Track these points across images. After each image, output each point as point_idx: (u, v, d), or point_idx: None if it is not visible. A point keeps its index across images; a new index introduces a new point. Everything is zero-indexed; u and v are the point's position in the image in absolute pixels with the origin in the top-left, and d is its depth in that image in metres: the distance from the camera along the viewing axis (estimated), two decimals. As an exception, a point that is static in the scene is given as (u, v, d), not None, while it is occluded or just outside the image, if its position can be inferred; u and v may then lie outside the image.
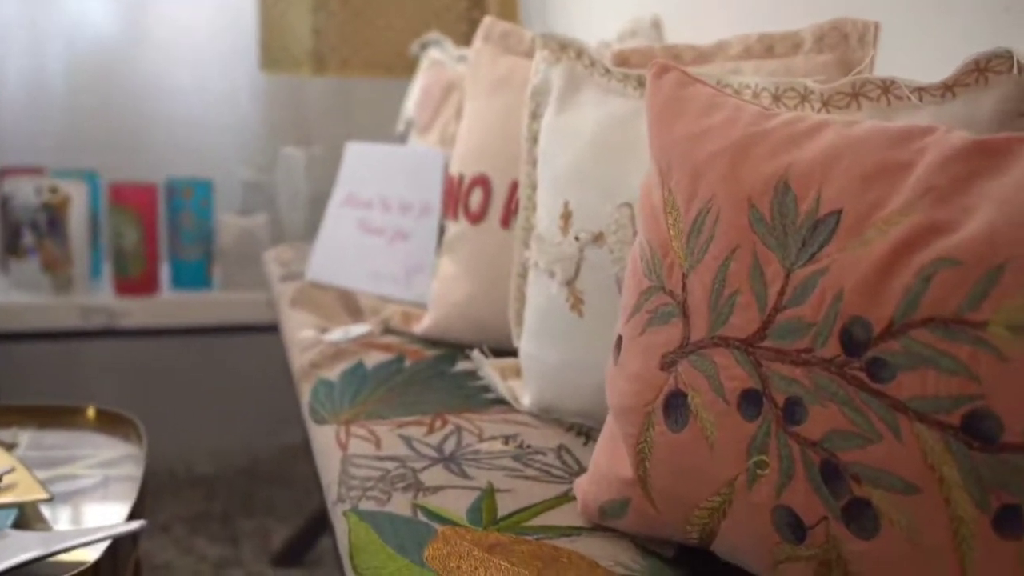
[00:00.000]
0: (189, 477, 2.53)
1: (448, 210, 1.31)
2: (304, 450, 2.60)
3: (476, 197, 1.25)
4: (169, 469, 2.56)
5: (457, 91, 1.59)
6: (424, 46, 2.05)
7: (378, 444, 0.98)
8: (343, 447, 0.98)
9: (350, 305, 1.51)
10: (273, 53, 2.37)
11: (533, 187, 1.09)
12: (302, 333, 1.41)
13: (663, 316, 0.72)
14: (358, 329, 1.36)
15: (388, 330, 1.37)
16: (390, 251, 1.55)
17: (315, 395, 1.16)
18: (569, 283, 0.97)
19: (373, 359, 1.24)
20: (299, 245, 2.06)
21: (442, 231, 1.47)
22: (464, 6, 2.53)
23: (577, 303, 0.97)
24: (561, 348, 0.99)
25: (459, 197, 1.28)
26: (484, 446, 0.96)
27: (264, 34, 2.39)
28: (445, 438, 0.98)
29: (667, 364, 0.71)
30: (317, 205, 2.34)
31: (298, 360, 1.32)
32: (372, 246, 1.58)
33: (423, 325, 1.32)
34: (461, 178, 1.28)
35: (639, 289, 0.75)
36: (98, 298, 2.18)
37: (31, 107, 2.34)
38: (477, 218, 1.24)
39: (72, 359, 2.48)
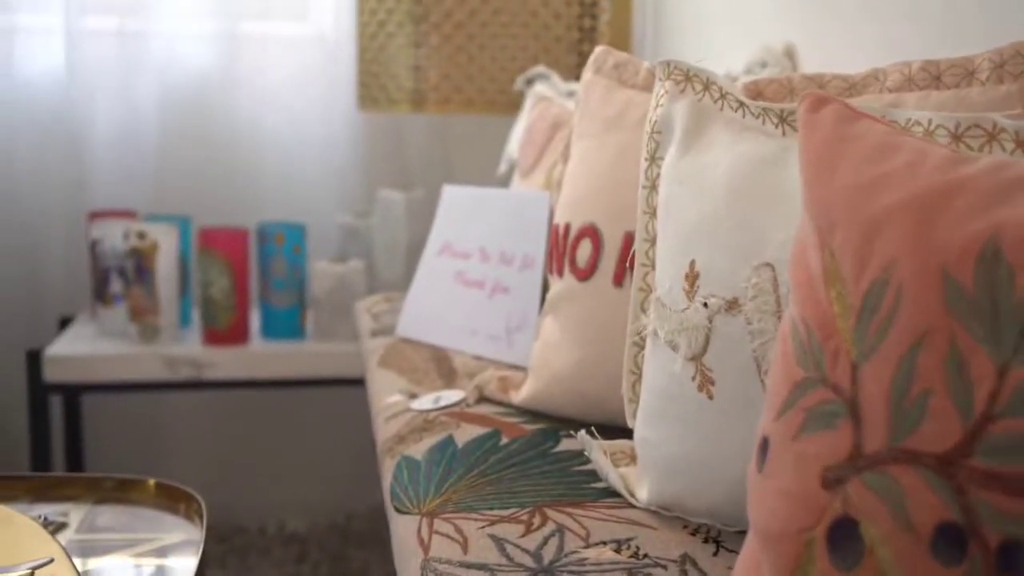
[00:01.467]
0: (280, 535, 2.44)
1: (553, 264, 1.17)
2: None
3: (584, 250, 1.11)
4: (260, 526, 2.47)
5: (565, 129, 1.46)
6: (530, 81, 1.94)
7: (465, 546, 0.84)
8: (424, 547, 0.85)
9: (443, 366, 1.38)
10: (371, 91, 2.28)
11: (651, 241, 0.95)
12: (389, 398, 1.29)
13: (825, 417, 0.57)
14: (450, 396, 1.23)
15: (483, 398, 1.23)
16: (490, 306, 1.42)
17: (397, 476, 1.02)
18: (696, 358, 0.82)
19: (465, 434, 1.11)
20: (393, 295, 1.95)
21: (546, 286, 1.33)
22: (575, 38, 2.41)
23: (705, 383, 0.82)
24: (686, 435, 0.84)
25: (565, 250, 1.14)
26: (591, 553, 0.81)
27: (362, 72, 2.31)
28: (544, 541, 0.84)
29: (831, 481, 0.56)
30: (417, 252, 2.24)
31: (382, 431, 1.20)
32: (470, 300, 1.45)
33: (522, 395, 1.18)
34: (568, 228, 1.14)
35: (791, 380, 0.60)
36: (185, 348, 2.11)
37: (122, 149, 2.29)
38: (585, 275, 1.10)
39: (158, 411, 2.42)
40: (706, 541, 0.84)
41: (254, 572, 2.24)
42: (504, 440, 1.08)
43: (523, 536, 0.85)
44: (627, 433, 0.99)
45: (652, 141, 0.95)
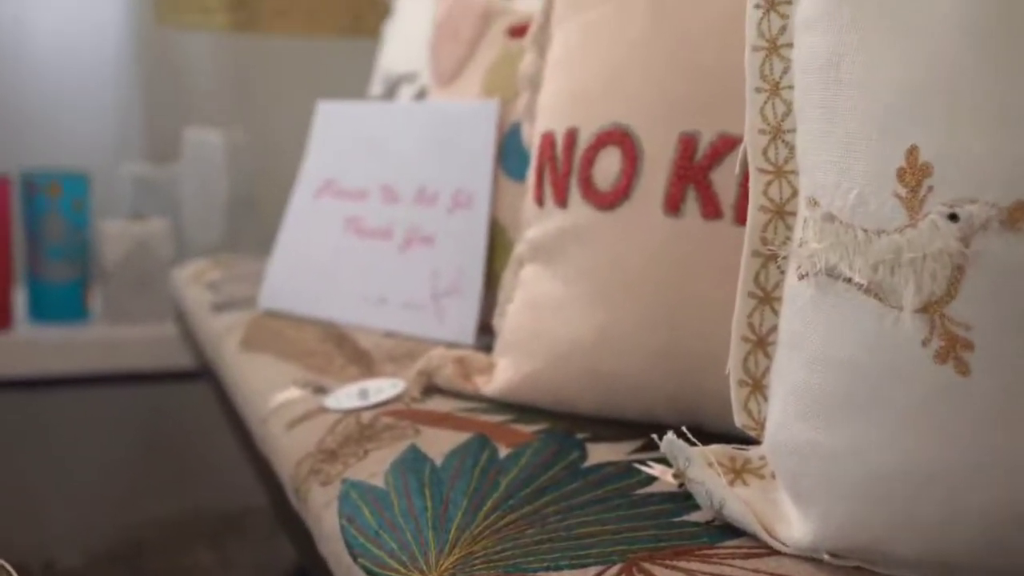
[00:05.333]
0: (50, 578, 1.98)
1: (546, 189, 0.84)
2: (204, 527, 2.09)
3: (608, 165, 0.78)
4: (19, 566, 2.00)
5: (501, 20, 1.13)
6: (402, -15, 1.59)
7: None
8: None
9: (347, 348, 1.03)
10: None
11: (775, 132, 0.64)
12: (280, 394, 0.92)
13: None
14: (382, 387, 0.88)
15: (431, 388, 0.89)
16: (403, 263, 1.07)
17: (352, 515, 0.67)
18: (932, 308, 0.52)
19: (435, 443, 0.76)
20: (225, 259, 1.55)
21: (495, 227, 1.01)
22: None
23: (953, 347, 0.51)
24: (908, 436, 0.53)
25: (569, 168, 0.81)
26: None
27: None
28: (689, 627, 0.51)
29: None
30: (239, 207, 1.84)
31: (285, 442, 0.84)
32: (371, 256, 1.10)
33: (498, 382, 0.85)
34: (572, 137, 0.81)
35: None
36: (-76, 337, 1.65)
37: None
38: (613, 200, 0.78)
39: None
40: (938, 609, 0.53)
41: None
42: (503, 451, 0.74)
43: (645, 620, 0.52)
44: (704, 436, 0.68)
45: (770, -22, 0.64)
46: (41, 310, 1.76)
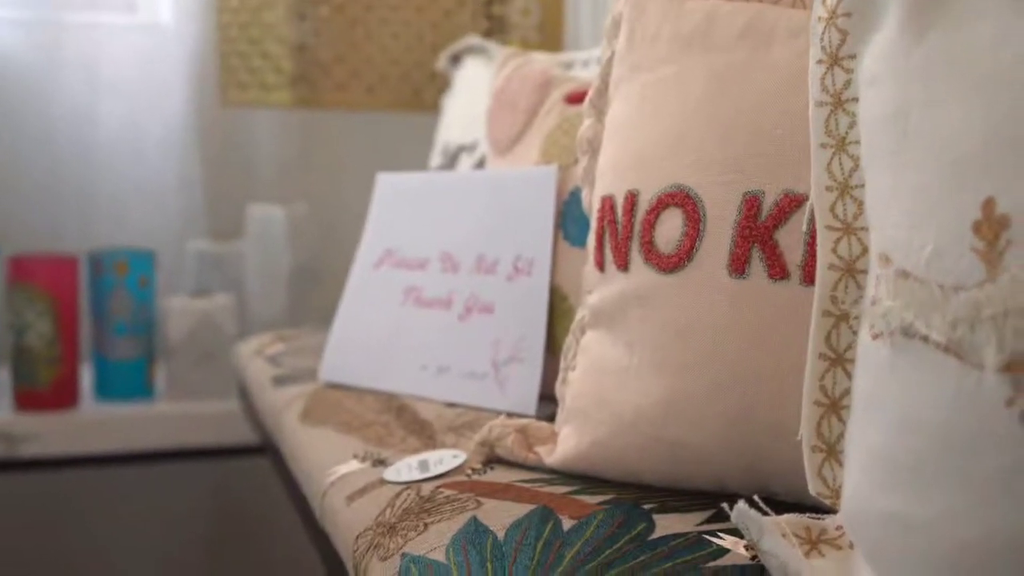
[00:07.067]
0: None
1: (607, 253, 0.83)
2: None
3: (670, 227, 0.77)
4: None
5: (560, 88, 1.12)
6: (456, 57, 1.60)
7: None
8: None
9: (407, 418, 1.01)
10: (237, 79, 1.89)
11: (842, 189, 0.62)
12: (339, 467, 0.91)
13: None
14: (442, 459, 0.87)
15: (494, 459, 0.87)
16: (463, 332, 1.06)
17: (411, 592, 0.65)
18: (1014, 366, 0.49)
19: (496, 515, 0.74)
20: (287, 333, 1.55)
21: (555, 294, 0.99)
22: (482, 27, 2.09)
23: (1040, 407, 0.49)
24: (996, 505, 0.50)
25: (630, 232, 0.80)
26: None
27: (225, 53, 1.91)
28: None
29: None
30: (301, 281, 1.85)
31: (344, 516, 0.82)
32: (432, 326, 1.09)
33: (561, 452, 0.83)
34: (632, 200, 0.80)
35: None
36: (-8, 415, 1.66)
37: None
38: (675, 263, 0.76)
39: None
40: None
41: None
42: (567, 523, 0.72)
43: None
44: (776, 505, 0.65)
45: (832, 32, 0.63)
46: (107, 388, 1.76)
